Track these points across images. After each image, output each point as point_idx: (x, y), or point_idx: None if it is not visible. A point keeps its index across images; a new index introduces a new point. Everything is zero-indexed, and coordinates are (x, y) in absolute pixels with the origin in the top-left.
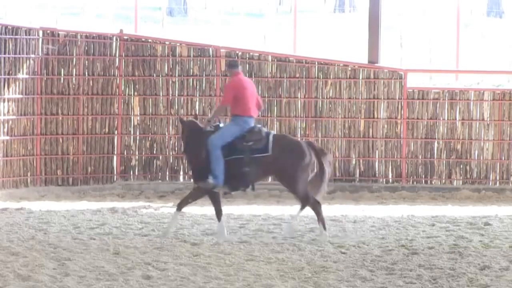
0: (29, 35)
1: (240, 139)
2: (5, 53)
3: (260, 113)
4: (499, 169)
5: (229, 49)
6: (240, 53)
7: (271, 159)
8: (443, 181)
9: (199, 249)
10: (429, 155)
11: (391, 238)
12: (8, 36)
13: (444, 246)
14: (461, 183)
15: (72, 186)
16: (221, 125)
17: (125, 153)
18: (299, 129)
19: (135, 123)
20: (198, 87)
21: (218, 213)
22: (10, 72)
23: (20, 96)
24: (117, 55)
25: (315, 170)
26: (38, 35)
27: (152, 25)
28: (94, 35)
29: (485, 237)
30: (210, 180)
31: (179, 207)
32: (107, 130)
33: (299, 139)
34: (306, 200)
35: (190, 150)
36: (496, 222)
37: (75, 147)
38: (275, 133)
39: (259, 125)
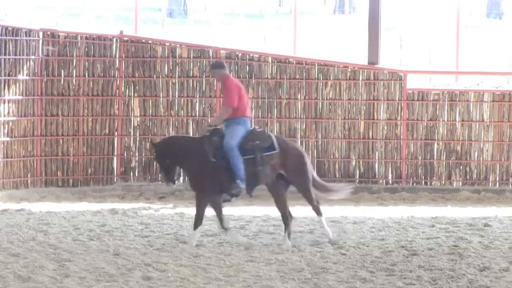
0: (29, 36)
1: (247, 139)
2: (5, 54)
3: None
4: (499, 170)
5: (229, 50)
6: (240, 54)
7: (279, 157)
8: (443, 182)
9: (199, 250)
10: (429, 156)
11: (391, 239)
12: (8, 37)
13: (444, 247)
14: (461, 184)
15: (72, 187)
16: (219, 127)
17: (125, 154)
18: (299, 130)
19: (135, 124)
20: (198, 88)
21: (222, 220)
22: (11, 73)
23: (20, 97)
24: (117, 56)
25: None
26: (38, 37)
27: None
28: (94, 36)
29: (485, 238)
30: (240, 183)
31: (196, 226)
32: (107, 131)
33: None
34: (311, 197)
35: (189, 162)
36: (495, 223)
37: (75, 148)
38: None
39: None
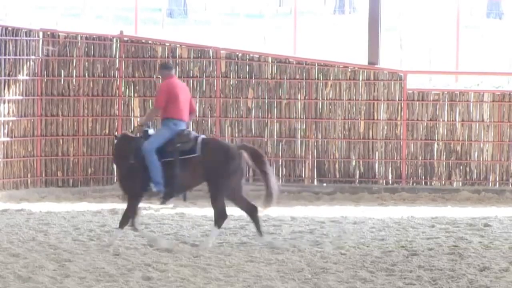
0: (29, 36)
1: (170, 142)
2: (5, 55)
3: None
4: (499, 170)
5: (229, 50)
6: (240, 55)
7: (198, 161)
8: (443, 182)
9: (199, 250)
10: (429, 157)
11: (391, 239)
12: (8, 38)
13: (444, 247)
14: (460, 184)
15: (73, 187)
16: (150, 130)
17: None
18: (299, 130)
19: (135, 125)
20: (198, 88)
21: (133, 219)
22: (11, 73)
23: (21, 97)
24: (117, 56)
25: (246, 176)
26: (38, 37)
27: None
28: (94, 36)
29: (484, 238)
30: (152, 188)
31: (121, 226)
32: (107, 131)
33: (232, 143)
34: (221, 214)
35: (119, 161)
36: (495, 223)
37: (75, 148)
38: (206, 136)
39: (189, 129)
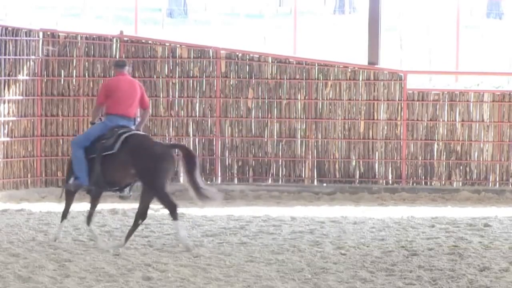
0: (29, 36)
1: (98, 138)
2: (5, 55)
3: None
4: (499, 170)
5: (229, 50)
6: (240, 54)
7: (118, 157)
8: (443, 182)
9: (199, 251)
10: (429, 157)
11: (391, 240)
12: (8, 38)
13: (444, 247)
14: (461, 184)
15: None
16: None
17: None
18: (299, 131)
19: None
20: (198, 88)
21: (65, 213)
22: (11, 73)
23: (21, 97)
24: (117, 56)
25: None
26: (38, 37)
27: (152, 27)
28: (94, 36)
29: (485, 238)
30: (71, 181)
31: (63, 217)
32: None
33: (161, 141)
34: (170, 205)
35: None
36: (496, 223)
37: None
38: (137, 133)
39: (124, 126)
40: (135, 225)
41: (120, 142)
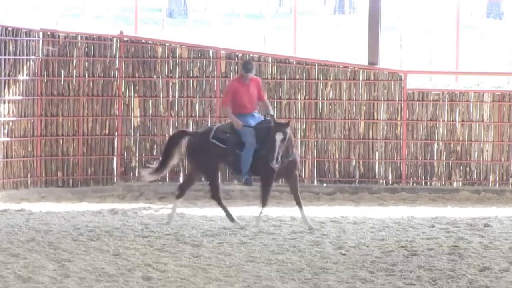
0: (29, 36)
1: None
2: (5, 55)
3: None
4: (499, 170)
5: (229, 50)
6: (240, 55)
7: None
8: (443, 182)
9: (199, 251)
10: (429, 157)
11: (391, 240)
12: (8, 38)
13: (444, 248)
14: (460, 184)
15: (72, 188)
16: None
17: (125, 155)
18: (299, 131)
19: (135, 125)
20: (198, 88)
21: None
22: (11, 73)
23: (20, 97)
24: (117, 56)
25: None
26: (38, 37)
27: (152, 27)
28: (94, 36)
29: (484, 238)
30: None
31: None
32: (107, 131)
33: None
34: None
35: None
36: (495, 223)
37: (75, 149)
38: None
39: None
40: None
41: None
